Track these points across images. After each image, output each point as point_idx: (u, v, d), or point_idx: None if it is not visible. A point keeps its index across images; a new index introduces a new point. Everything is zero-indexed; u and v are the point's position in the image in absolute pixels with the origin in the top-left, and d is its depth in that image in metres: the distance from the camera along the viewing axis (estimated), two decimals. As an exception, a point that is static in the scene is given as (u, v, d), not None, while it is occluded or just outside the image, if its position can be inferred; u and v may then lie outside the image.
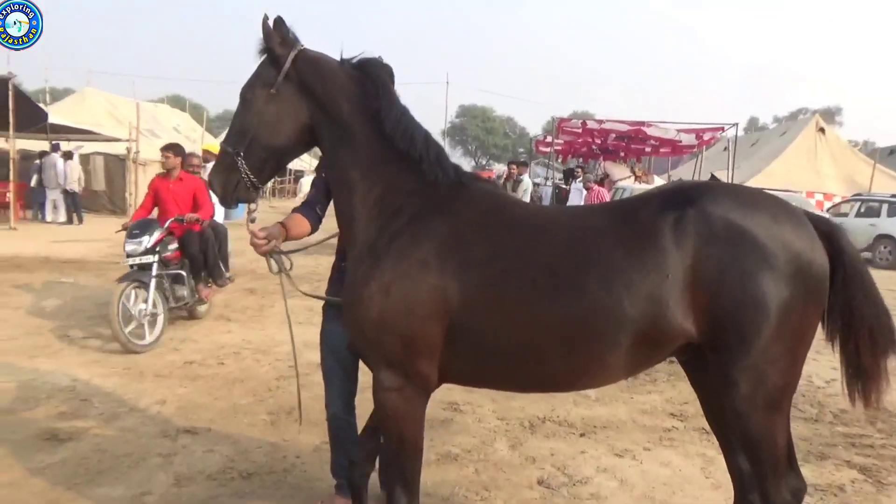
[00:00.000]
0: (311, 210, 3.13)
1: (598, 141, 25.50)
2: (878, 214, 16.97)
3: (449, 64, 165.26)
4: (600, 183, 17.06)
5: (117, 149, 21.09)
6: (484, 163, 74.54)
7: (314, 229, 3.13)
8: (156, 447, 3.97)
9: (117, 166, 21.06)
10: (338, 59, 2.58)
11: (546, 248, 2.32)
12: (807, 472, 4.01)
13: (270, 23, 2.47)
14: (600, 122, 23.44)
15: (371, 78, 2.50)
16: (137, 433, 4.17)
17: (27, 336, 6.22)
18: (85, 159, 20.95)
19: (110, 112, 24.33)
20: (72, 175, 17.79)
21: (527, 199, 11.92)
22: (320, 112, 2.51)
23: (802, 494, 2.42)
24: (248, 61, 2.57)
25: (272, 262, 2.97)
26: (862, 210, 17.56)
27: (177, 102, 34.96)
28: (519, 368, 2.37)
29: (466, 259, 2.31)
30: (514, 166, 12.39)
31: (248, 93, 2.53)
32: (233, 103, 2.65)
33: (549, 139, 28.70)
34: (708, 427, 4.68)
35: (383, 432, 2.41)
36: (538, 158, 31.39)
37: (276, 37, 2.48)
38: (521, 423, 4.70)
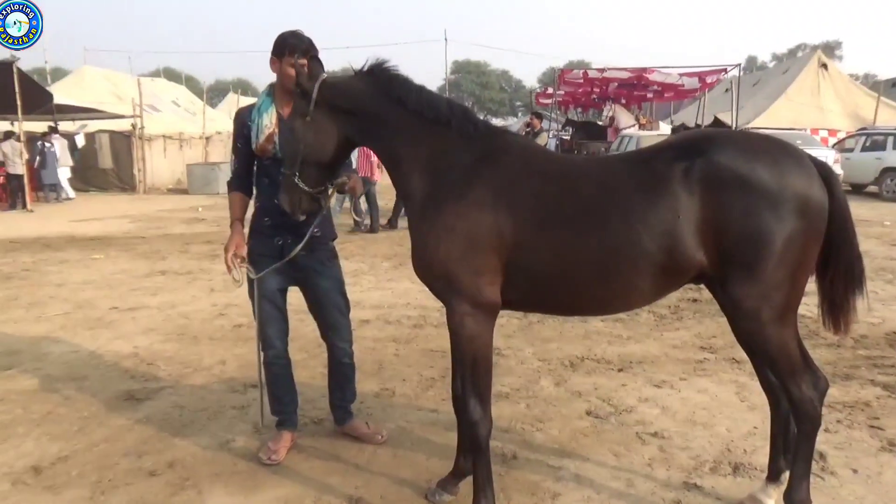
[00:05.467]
0: (242, 180, 3.49)
1: (598, 90, 25.31)
2: (883, 147, 16.99)
3: (440, 20, 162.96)
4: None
5: (121, 126, 21.14)
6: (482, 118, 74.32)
7: (251, 195, 3.52)
8: (228, 401, 4.27)
9: (123, 143, 21.16)
10: (352, 73, 2.96)
11: (578, 193, 2.65)
12: (834, 391, 4.30)
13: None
14: (602, 70, 23.28)
15: (382, 76, 2.88)
16: (208, 390, 4.47)
17: (79, 309, 6.48)
18: (90, 138, 21.04)
19: (110, 89, 24.26)
20: (12, 156, 16.15)
21: None
22: (353, 118, 2.90)
23: (824, 386, 2.73)
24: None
25: (241, 271, 3.37)
26: (867, 144, 17.59)
27: (172, 76, 34.62)
28: (564, 294, 2.73)
29: (515, 201, 2.65)
30: (536, 119, 13.09)
31: (291, 123, 2.95)
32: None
33: (549, 91, 28.60)
34: (737, 357, 5.02)
35: (459, 355, 2.73)
36: (537, 110, 31.43)
37: (304, 75, 2.90)
38: (561, 363, 4.99)
